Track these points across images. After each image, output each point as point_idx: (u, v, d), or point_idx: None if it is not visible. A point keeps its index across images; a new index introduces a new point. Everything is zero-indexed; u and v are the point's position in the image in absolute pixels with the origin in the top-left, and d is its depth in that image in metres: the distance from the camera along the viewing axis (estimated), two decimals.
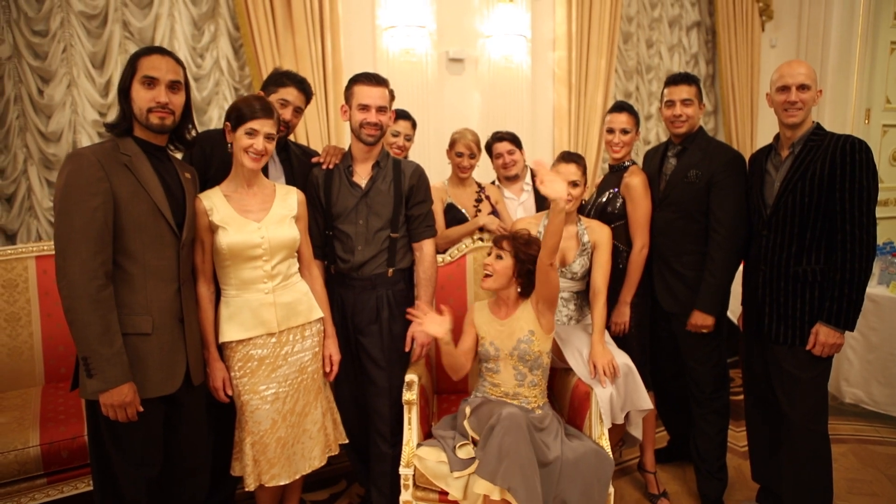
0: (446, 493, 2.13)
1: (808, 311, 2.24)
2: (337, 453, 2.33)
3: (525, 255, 2.25)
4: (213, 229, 2.05)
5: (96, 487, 1.93)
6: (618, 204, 2.67)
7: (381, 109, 2.33)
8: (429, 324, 2.17)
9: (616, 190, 2.68)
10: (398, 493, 2.21)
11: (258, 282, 2.08)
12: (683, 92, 2.54)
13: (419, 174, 2.47)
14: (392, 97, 2.43)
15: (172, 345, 1.88)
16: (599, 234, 2.53)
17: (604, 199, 2.73)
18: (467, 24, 4.20)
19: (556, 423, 2.20)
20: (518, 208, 3.16)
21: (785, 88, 2.24)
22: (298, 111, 2.49)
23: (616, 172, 2.73)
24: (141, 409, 1.77)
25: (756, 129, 5.53)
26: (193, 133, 2.06)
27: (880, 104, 5.35)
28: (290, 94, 2.43)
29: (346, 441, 2.36)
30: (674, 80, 2.62)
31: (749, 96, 5.48)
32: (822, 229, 2.21)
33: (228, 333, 2.06)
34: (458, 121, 3.99)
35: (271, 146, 2.07)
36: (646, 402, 2.35)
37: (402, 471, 2.19)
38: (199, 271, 2.08)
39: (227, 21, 3.67)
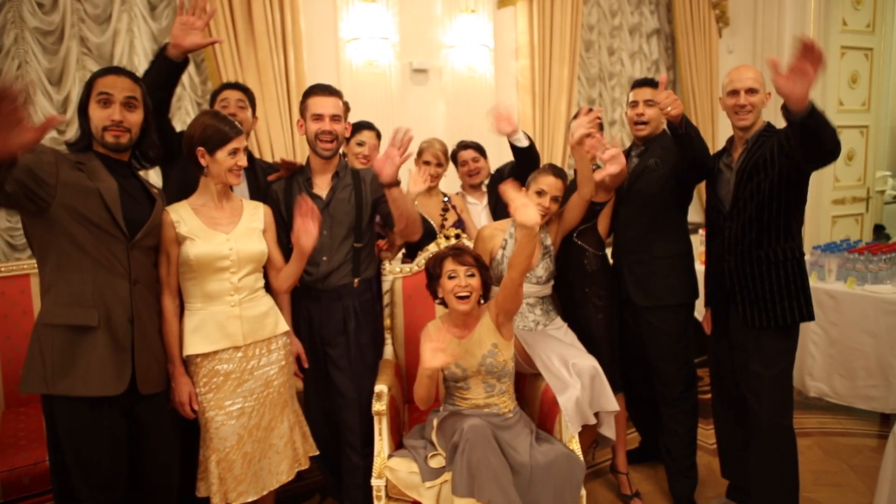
0: None
1: (776, 291, 2.30)
2: (307, 467, 2.31)
3: (486, 271, 2.28)
4: (179, 241, 2.04)
5: None
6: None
7: (334, 118, 2.36)
8: (433, 354, 2.05)
9: None
10: None
11: (224, 294, 2.07)
12: (647, 93, 2.63)
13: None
14: (347, 108, 2.46)
15: (119, 344, 1.84)
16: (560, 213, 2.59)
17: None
18: (430, 35, 4.23)
19: (525, 428, 2.21)
20: (482, 213, 3.20)
21: (734, 93, 2.33)
22: (241, 104, 2.64)
23: None
24: None
25: (717, 133, 5.65)
26: (154, 151, 2.04)
27: (833, 106, 5.51)
28: (230, 94, 2.64)
29: (317, 453, 2.34)
30: (638, 83, 2.71)
31: (709, 101, 5.61)
32: (777, 209, 2.28)
33: (193, 346, 2.03)
34: (423, 131, 3.99)
35: (244, 161, 2.12)
36: (612, 403, 2.36)
37: (374, 482, 2.18)
38: (164, 284, 2.05)
39: None
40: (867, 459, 3.01)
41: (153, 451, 1.99)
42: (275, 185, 2.46)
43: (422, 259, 2.87)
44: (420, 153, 3.08)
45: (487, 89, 4.39)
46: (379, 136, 3.13)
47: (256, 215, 2.20)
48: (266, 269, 2.23)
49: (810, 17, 5.41)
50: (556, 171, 2.53)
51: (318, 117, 2.34)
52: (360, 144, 3.03)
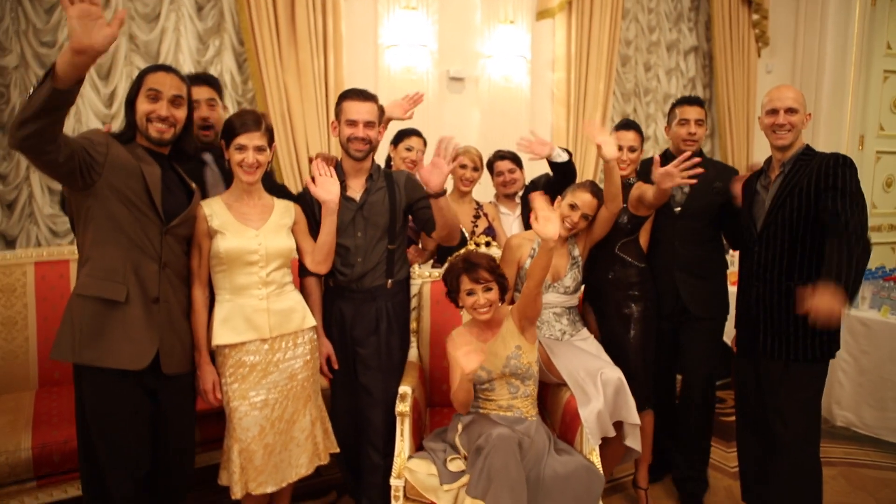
0: None
1: (802, 325, 2.22)
2: (326, 463, 2.33)
3: (502, 278, 2.29)
4: (211, 234, 2.10)
5: (84, 488, 1.97)
6: (625, 219, 2.65)
7: (368, 124, 2.37)
8: (468, 358, 2.07)
9: (624, 206, 2.66)
10: None
11: (252, 287, 2.13)
12: (696, 112, 2.71)
13: (412, 180, 2.51)
14: (382, 112, 2.48)
15: (143, 322, 1.89)
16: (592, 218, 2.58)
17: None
18: (468, 44, 4.28)
19: (545, 438, 2.22)
20: (514, 223, 3.22)
21: (774, 112, 2.32)
22: (212, 103, 2.53)
23: (623, 189, 2.73)
24: None
25: (752, 153, 5.60)
26: (192, 147, 2.11)
27: (874, 131, 5.43)
28: (197, 93, 2.36)
29: (337, 450, 2.37)
30: (688, 100, 2.77)
31: (745, 120, 5.56)
32: (812, 245, 2.24)
33: (221, 337, 2.09)
34: (458, 139, 4.04)
35: (263, 157, 2.13)
36: (634, 416, 2.36)
37: (393, 482, 2.19)
38: (195, 275, 2.11)
39: (232, 36, 3.74)
40: (894, 493, 2.94)
41: (173, 434, 2.04)
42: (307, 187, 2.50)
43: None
44: (455, 158, 3.12)
45: (523, 100, 4.42)
46: (425, 142, 3.19)
47: (287, 213, 2.26)
48: (300, 257, 2.31)
49: (853, 41, 5.34)
50: (594, 190, 2.54)
51: (353, 123, 2.36)
52: (409, 150, 3.12)
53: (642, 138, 2.78)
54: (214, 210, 2.12)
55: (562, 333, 2.60)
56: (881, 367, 3.36)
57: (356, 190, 2.45)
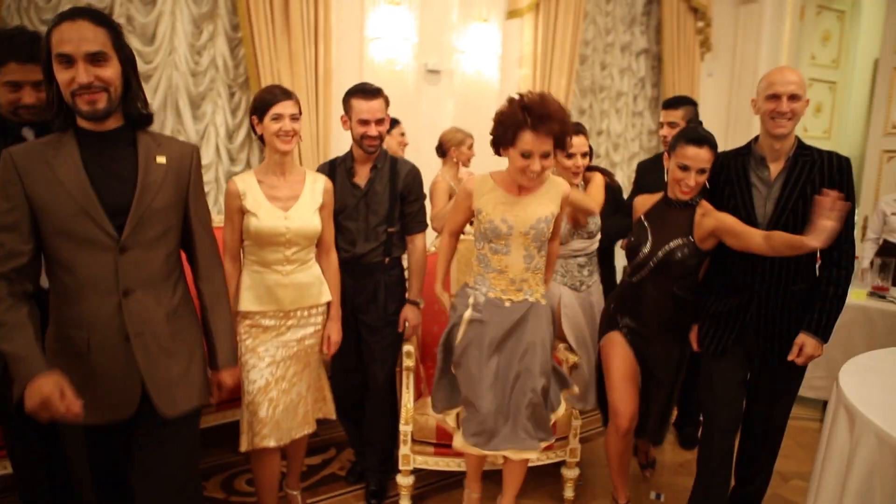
0: (441, 446, 2.49)
1: (793, 329, 2.24)
2: (313, 430, 2.44)
3: (566, 139, 2.08)
4: (243, 211, 2.22)
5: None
6: (686, 252, 2.27)
7: (379, 122, 2.51)
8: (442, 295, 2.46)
9: (690, 238, 2.26)
10: (393, 449, 2.55)
11: (277, 264, 2.26)
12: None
13: (413, 174, 2.70)
14: (387, 102, 2.58)
15: (116, 366, 1.62)
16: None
17: (672, 247, 2.28)
18: (445, 39, 4.58)
19: (546, 321, 2.28)
20: None
21: (775, 97, 2.11)
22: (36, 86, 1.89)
23: (683, 209, 2.31)
24: (77, 409, 1.47)
25: None
26: (143, 106, 1.66)
27: (799, 133, 6.03)
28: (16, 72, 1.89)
29: (333, 417, 2.52)
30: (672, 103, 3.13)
31: None
32: (817, 251, 2.15)
33: (244, 303, 2.24)
34: (433, 127, 4.37)
35: (298, 125, 2.22)
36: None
37: (403, 427, 2.53)
38: (227, 248, 2.26)
39: (226, 22, 3.91)
40: (811, 437, 3.48)
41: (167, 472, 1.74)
42: (318, 169, 2.73)
43: (438, 241, 3.21)
44: (462, 142, 3.70)
45: (493, 93, 4.77)
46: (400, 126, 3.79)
47: (316, 189, 2.33)
48: (318, 244, 2.38)
49: (784, 51, 5.93)
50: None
51: (365, 122, 2.48)
52: (403, 134, 3.72)
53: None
54: (248, 185, 2.23)
55: (580, 283, 2.87)
56: None
57: (362, 177, 2.61)
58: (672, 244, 2.26)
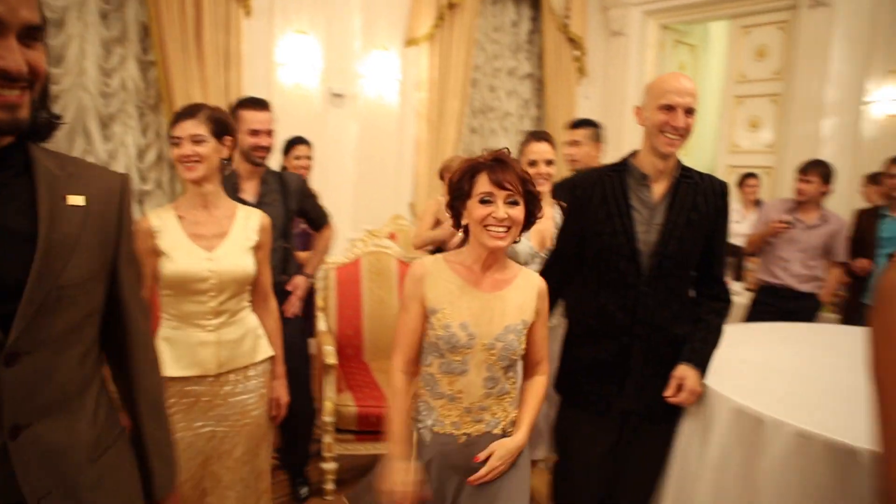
0: (362, 433, 2.84)
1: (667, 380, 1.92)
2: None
3: (535, 200, 1.66)
4: (157, 253, 1.81)
5: None
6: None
7: (269, 133, 2.53)
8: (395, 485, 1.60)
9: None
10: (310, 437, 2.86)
11: (201, 318, 1.86)
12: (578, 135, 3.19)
13: (301, 180, 2.83)
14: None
15: None
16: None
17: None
18: (349, 66, 4.93)
19: (523, 467, 1.71)
20: None
21: (670, 108, 1.81)
22: None
23: None
24: None
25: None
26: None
27: (727, 148, 6.76)
28: None
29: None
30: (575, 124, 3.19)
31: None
32: (694, 281, 2.00)
33: (164, 368, 1.64)
34: (338, 148, 4.75)
35: (204, 149, 1.83)
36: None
37: (326, 419, 2.85)
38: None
39: (136, 45, 4.06)
40: None
41: None
42: None
43: (350, 253, 3.56)
44: (447, 169, 3.50)
45: (393, 116, 5.19)
46: (311, 148, 3.87)
47: (250, 226, 1.96)
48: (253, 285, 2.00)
49: (646, 78, 6.75)
50: (540, 136, 2.63)
51: (255, 132, 2.47)
52: (297, 158, 3.78)
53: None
54: (165, 223, 1.85)
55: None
56: None
57: (250, 193, 2.55)
58: None
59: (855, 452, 1.52)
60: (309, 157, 3.82)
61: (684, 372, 1.88)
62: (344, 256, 3.55)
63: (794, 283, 3.78)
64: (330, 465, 2.91)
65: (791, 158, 4.96)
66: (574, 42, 6.64)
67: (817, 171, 3.72)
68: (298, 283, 2.79)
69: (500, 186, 1.56)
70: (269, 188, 2.61)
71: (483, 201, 1.58)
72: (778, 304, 3.78)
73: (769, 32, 6.09)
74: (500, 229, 1.57)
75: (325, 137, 4.80)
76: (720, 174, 6.76)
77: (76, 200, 1.02)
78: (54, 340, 0.99)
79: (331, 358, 2.92)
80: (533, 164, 2.49)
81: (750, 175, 5.92)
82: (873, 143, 5.17)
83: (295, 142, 3.79)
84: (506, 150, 1.69)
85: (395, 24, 5.18)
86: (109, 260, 1.09)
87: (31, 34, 0.91)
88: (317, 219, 2.98)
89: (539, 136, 2.59)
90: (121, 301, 1.13)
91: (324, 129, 4.79)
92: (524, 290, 1.68)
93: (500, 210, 1.56)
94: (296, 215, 2.82)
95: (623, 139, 6.64)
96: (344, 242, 3.93)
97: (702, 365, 1.90)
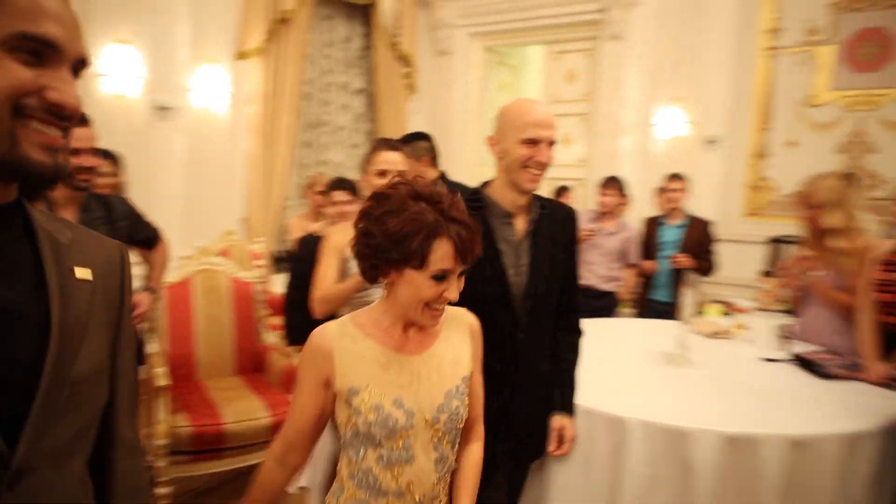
0: (198, 452, 2.86)
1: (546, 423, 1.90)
2: None
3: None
4: None
5: None
6: None
7: (91, 151, 2.28)
8: None
9: None
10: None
11: None
12: None
13: (126, 202, 2.69)
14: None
15: None
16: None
17: None
18: (176, 78, 4.80)
19: None
20: None
21: (534, 142, 1.67)
22: None
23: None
24: None
25: None
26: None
27: (479, 173, 7.41)
28: None
29: None
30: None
31: None
32: (557, 314, 1.90)
33: None
34: (165, 162, 4.62)
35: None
36: None
37: (160, 441, 2.83)
38: None
39: None
40: None
41: None
42: None
43: (182, 271, 3.53)
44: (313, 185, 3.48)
45: (224, 129, 5.14)
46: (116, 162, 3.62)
47: None
48: None
49: (472, 97, 7.26)
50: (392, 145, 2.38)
51: (76, 152, 2.16)
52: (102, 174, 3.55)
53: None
54: None
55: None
56: None
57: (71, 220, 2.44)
58: None
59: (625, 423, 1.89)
60: (115, 175, 3.53)
61: (561, 422, 1.88)
62: (174, 275, 3.51)
63: (598, 283, 4.42)
64: (165, 490, 2.89)
65: (599, 172, 5.61)
66: (404, 59, 6.96)
67: (614, 185, 4.54)
68: (142, 298, 2.71)
69: (464, 260, 1.23)
70: (92, 215, 2.40)
71: (437, 277, 1.22)
72: (584, 303, 4.34)
73: (577, 59, 6.83)
74: (441, 312, 1.28)
75: (149, 151, 4.64)
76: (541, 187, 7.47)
77: (84, 274, 0.84)
78: (58, 452, 0.78)
79: (163, 379, 2.91)
80: (383, 174, 2.22)
81: (563, 188, 6.60)
82: (659, 160, 6.03)
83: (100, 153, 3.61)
84: (460, 197, 1.28)
85: (224, 36, 5.13)
86: (112, 345, 0.89)
87: (78, 70, 0.81)
88: (149, 239, 2.87)
89: (390, 144, 2.39)
90: (114, 392, 0.91)
91: (148, 142, 4.63)
92: (455, 337, 1.39)
93: (454, 290, 1.25)
94: (128, 243, 2.53)
95: (450, 153, 7.09)
96: (174, 261, 3.86)
97: (573, 410, 1.91)
